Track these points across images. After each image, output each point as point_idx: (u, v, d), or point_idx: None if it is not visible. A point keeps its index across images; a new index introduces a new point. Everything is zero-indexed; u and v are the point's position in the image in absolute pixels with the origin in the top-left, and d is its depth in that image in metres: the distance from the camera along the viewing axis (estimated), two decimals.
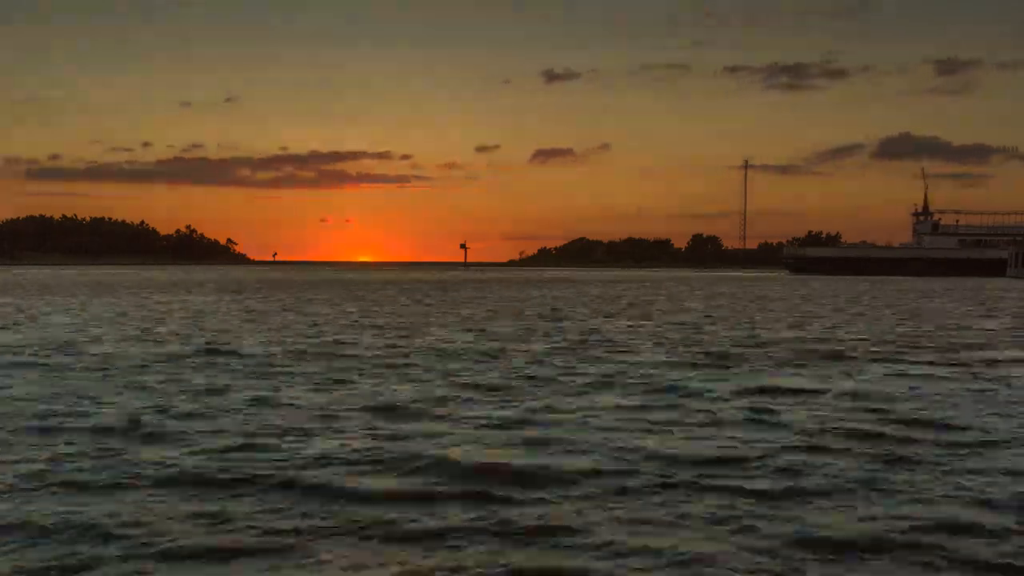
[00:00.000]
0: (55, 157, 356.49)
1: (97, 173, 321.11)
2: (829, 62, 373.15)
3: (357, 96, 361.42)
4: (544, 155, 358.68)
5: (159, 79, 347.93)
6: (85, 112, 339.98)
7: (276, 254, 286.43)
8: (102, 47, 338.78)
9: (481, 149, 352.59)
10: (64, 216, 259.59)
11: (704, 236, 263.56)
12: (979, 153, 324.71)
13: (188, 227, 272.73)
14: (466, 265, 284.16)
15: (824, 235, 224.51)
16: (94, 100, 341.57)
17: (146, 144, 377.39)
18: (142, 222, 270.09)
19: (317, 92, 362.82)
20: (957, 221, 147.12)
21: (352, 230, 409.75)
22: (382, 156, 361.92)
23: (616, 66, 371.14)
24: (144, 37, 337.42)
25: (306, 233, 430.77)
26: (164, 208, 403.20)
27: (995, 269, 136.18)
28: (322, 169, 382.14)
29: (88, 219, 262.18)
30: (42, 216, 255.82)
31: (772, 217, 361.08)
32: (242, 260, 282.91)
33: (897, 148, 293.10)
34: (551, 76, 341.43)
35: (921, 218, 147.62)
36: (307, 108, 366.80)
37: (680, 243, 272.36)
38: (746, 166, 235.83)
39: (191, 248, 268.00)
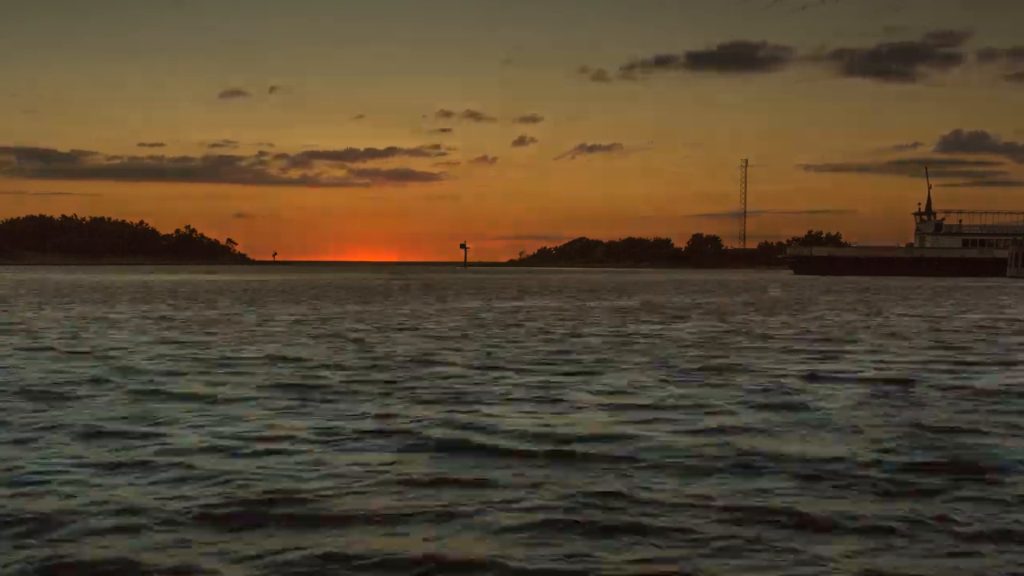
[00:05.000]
0: (79, 153, 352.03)
1: (115, 171, 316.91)
2: (945, 45, 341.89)
3: (403, 89, 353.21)
4: (583, 151, 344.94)
5: (197, 71, 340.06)
6: (115, 106, 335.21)
7: (276, 254, 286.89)
8: (134, 37, 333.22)
9: (519, 143, 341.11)
10: (64, 216, 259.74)
11: (704, 236, 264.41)
12: None
13: (188, 227, 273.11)
14: (465, 265, 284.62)
15: (824, 235, 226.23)
16: (125, 94, 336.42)
17: (176, 140, 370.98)
18: (141, 222, 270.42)
19: (360, 85, 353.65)
20: (960, 221, 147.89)
21: (355, 230, 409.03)
22: (417, 152, 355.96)
23: (702, 53, 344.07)
24: (182, 25, 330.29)
25: (308, 233, 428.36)
26: (182, 208, 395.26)
27: (996, 269, 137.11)
28: (350, 167, 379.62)
29: (88, 219, 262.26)
30: (42, 216, 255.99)
31: (815, 217, 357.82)
32: (242, 260, 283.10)
33: (955, 148, 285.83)
34: (630, 66, 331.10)
35: (924, 218, 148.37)
36: (349, 102, 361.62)
37: (680, 243, 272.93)
38: (745, 165, 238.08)
39: (191, 248, 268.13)
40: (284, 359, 18.83)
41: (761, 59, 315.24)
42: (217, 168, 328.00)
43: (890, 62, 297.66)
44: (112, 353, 19.86)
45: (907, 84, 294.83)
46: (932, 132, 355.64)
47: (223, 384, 15.00)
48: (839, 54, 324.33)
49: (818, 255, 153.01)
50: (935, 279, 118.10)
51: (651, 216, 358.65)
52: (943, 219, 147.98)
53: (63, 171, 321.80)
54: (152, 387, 14.60)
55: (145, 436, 10.67)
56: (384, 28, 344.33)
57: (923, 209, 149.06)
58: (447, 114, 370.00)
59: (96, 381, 15.27)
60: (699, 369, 17.43)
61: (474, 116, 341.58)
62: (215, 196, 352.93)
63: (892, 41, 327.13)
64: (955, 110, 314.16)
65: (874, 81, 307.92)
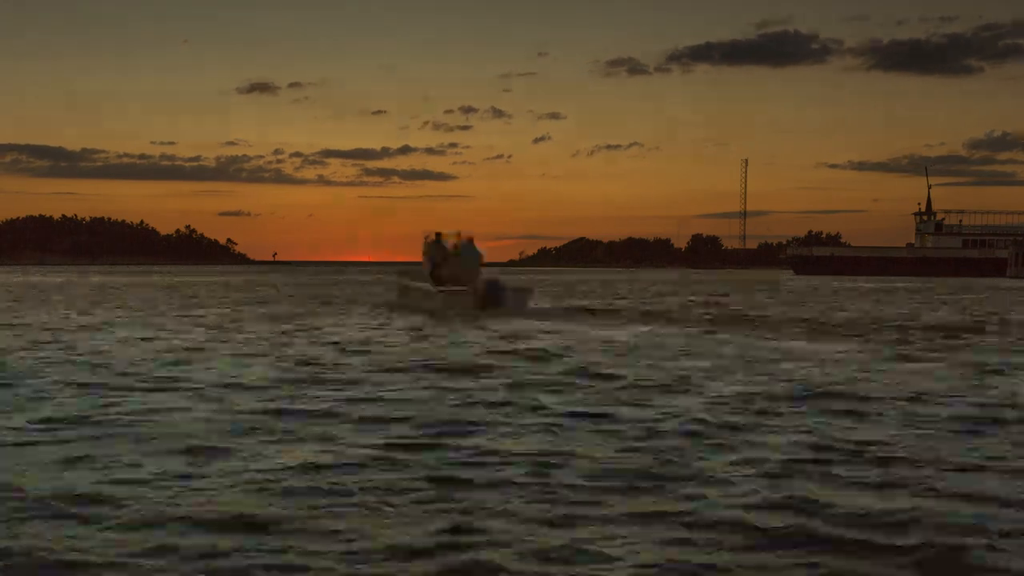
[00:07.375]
0: (89, 151, 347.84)
1: (123, 170, 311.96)
2: (1001, 37, 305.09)
3: (425, 86, 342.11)
4: (600, 150, 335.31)
5: (214, 67, 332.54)
6: (129, 103, 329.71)
7: (276, 254, 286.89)
8: (150, 31, 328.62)
9: (537, 142, 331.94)
10: (64, 216, 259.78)
11: (704, 236, 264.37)
12: None
13: (188, 227, 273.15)
14: None
15: (824, 235, 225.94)
16: (140, 91, 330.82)
17: (189, 138, 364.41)
18: (141, 222, 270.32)
19: (381, 81, 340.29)
20: (961, 221, 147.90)
21: (357, 230, 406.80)
22: (433, 151, 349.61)
23: (743, 43, 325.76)
24: (199, 20, 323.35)
25: (308, 233, 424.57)
26: (184, 207, 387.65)
27: (996, 269, 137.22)
28: (364, 166, 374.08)
29: (88, 219, 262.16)
30: (42, 216, 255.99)
31: (825, 217, 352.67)
32: (242, 260, 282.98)
33: (986, 146, 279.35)
34: (672, 58, 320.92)
35: (924, 218, 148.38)
36: (368, 99, 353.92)
37: (680, 243, 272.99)
38: (745, 164, 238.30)
39: (191, 248, 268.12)
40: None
41: (813, 51, 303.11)
42: (229, 166, 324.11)
43: (940, 55, 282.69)
44: None
45: (953, 78, 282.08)
46: (966, 129, 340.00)
47: None
48: (890, 46, 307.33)
49: (819, 255, 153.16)
50: (936, 279, 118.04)
51: (652, 216, 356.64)
52: (943, 219, 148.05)
53: (70, 170, 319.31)
54: None
55: None
56: (403, 24, 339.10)
57: (923, 209, 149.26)
58: (469, 111, 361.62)
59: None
60: None
61: (497, 113, 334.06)
62: (221, 195, 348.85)
63: (945, 32, 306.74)
64: (996, 106, 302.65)
65: (919, 76, 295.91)
